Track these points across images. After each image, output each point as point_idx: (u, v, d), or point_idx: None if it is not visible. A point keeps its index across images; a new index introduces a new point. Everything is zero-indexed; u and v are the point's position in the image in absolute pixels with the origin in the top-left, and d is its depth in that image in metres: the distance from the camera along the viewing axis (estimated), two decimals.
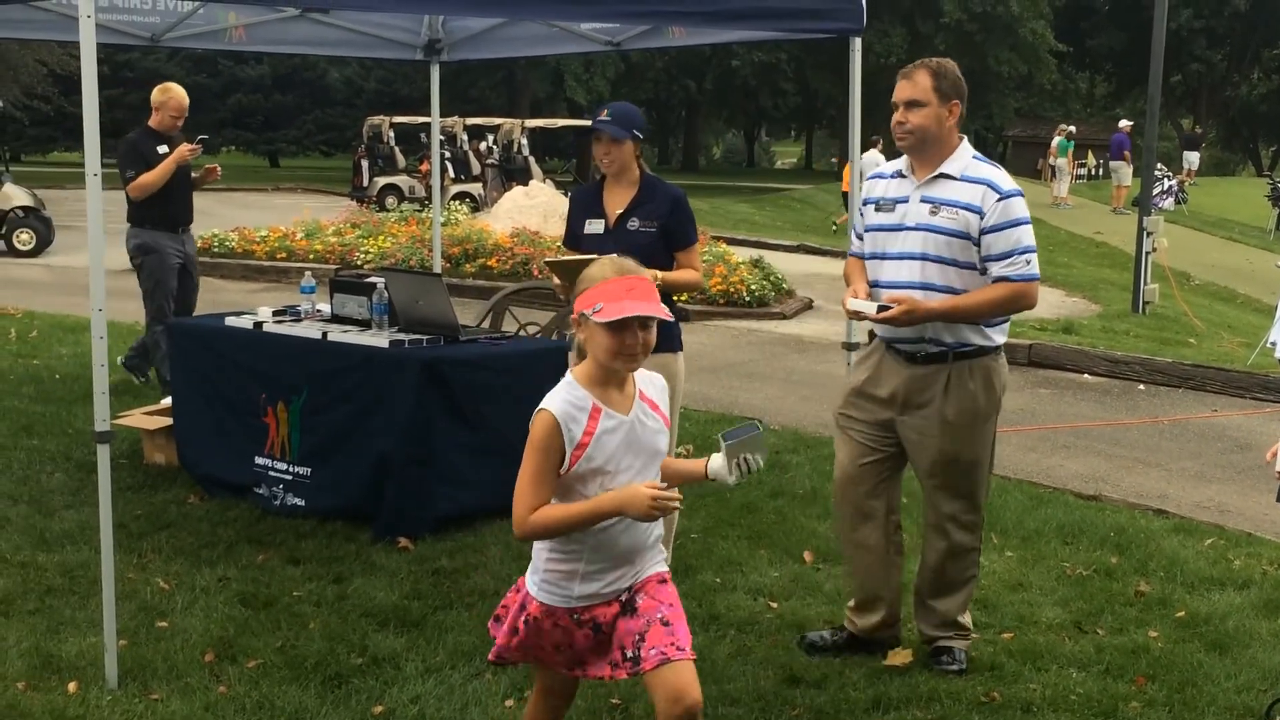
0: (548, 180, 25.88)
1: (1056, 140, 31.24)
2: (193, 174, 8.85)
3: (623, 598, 3.30)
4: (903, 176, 4.74)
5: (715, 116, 65.31)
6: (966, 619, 4.95)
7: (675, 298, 5.45)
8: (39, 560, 5.68)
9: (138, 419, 7.48)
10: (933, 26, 46.43)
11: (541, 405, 3.23)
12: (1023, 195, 4.62)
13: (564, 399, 3.20)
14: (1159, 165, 21.16)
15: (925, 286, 4.60)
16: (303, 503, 6.42)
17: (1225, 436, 9.43)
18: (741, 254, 16.92)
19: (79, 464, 7.13)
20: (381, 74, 51.33)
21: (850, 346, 6.10)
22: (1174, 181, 31.47)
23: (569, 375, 3.26)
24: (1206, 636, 5.24)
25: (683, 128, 64.08)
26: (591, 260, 5.18)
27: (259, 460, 6.63)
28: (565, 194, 20.43)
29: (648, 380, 3.36)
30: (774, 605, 5.46)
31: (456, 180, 27.63)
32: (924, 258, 4.59)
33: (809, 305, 15.27)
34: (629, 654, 3.25)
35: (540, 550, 3.35)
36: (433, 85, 9.07)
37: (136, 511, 6.41)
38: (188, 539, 6.03)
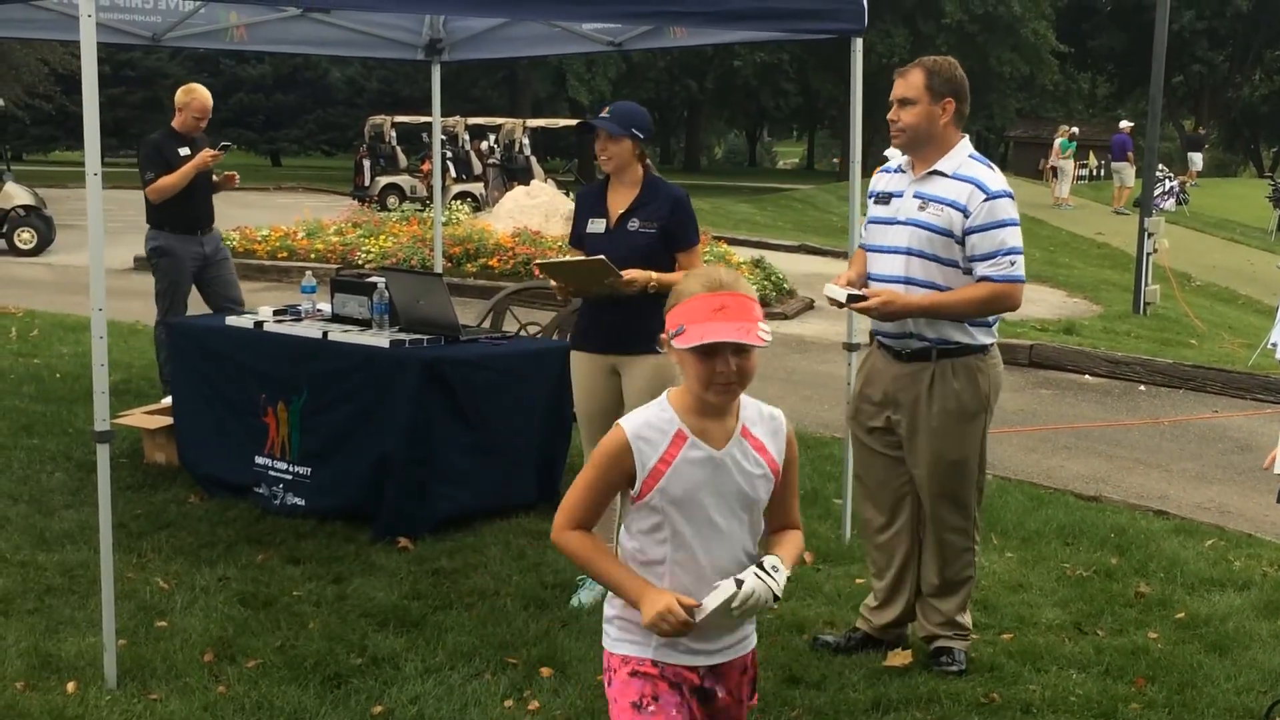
0: (549, 180, 25.86)
1: (1058, 141, 31.20)
2: (214, 178, 8.78)
3: (701, 673, 2.87)
4: (903, 172, 4.78)
5: (717, 116, 65.31)
6: (966, 619, 4.95)
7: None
8: (38, 560, 5.68)
9: (138, 418, 7.48)
10: (934, 27, 46.41)
11: (621, 419, 2.87)
12: (1012, 197, 4.60)
13: (645, 418, 2.83)
14: (1160, 166, 21.17)
15: (908, 281, 4.62)
16: (303, 502, 6.42)
17: (1226, 438, 9.43)
18: (743, 254, 16.93)
19: (79, 463, 7.13)
20: (383, 74, 51.34)
21: (851, 347, 6.10)
22: (1175, 182, 31.45)
23: (664, 394, 2.87)
24: (1206, 638, 5.24)
25: (684, 128, 64.06)
26: (581, 262, 5.22)
27: (259, 460, 6.63)
28: (567, 194, 20.44)
29: (762, 417, 2.89)
30: (773, 606, 5.45)
31: (458, 180, 27.63)
32: (909, 252, 4.62)
33: (810, 305, 15.26)
34: None
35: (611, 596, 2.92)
36: (434, 85, 9.06)
37: (136, 511, 6.41)
38: (187, 539, 6.03)
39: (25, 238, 18.90)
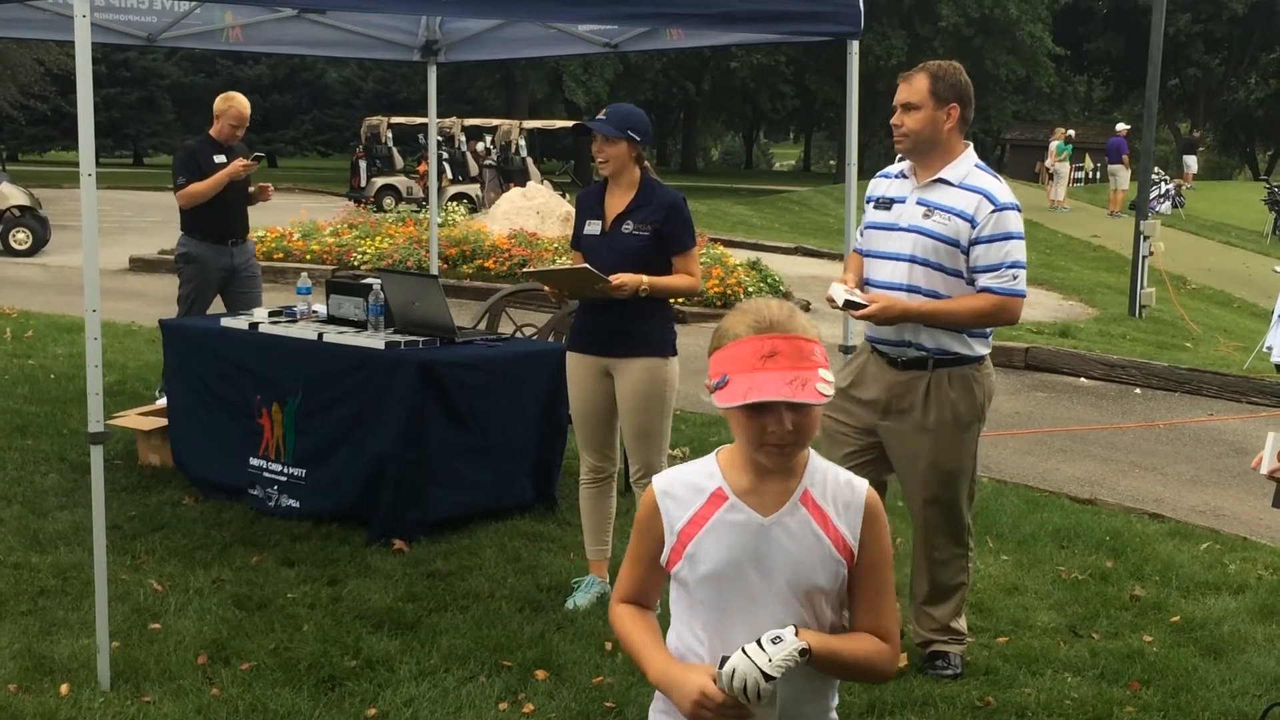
0: (545, 182, 25.87)
1: (1054, 144, 31.22)
2: (250, 189, 8.71)
3: None
4: (904, 177, 4.74)
5: (714, 118, 65.35)
6: (961, 624, 4.94)
7: (671, 301, 5.44)
8: (32, 561, 5.66)
9: (132, 420, 7.46)
10: (931, 29, 46.46)
11: (655, 475, 2.44)
12: (1019, 210, 4.59)
13: (680, 473, 2.38)
14: (1156, 169, 21.16)
15: (911, 289, 4.60)
16: (297, 504, 6.40)
17: (1221, 440, 9.43)
18: (739, 256, 16.92)
19: (73, 465, 7.11)
20: (380, 75, 51.38)
21: (846, 349, 6.09)
22: (1171, 185, 31.48)
23: (716, 451, 2.39)
24: (1201, 641, 5.24)
25: (681, 129, 64.10)
26: (567, 270, 5.22)
27: (254, 462, 6.62)
28: (563, 195, 20.44)
29: (835, 484, 2.35)
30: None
31: (454, 181, 27.63)
32: (912, 260, 4.59)
33: (806, 307, 15.25)
34: None
35: None
36: (430, 86, 9.05)
37: (131, 513, 6.39)
38: (182, 540, 6.02)
39: (20, 238, 18.88)
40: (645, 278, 5.09)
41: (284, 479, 6.49)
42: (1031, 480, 7.96)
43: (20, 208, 19.03)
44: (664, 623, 2.50)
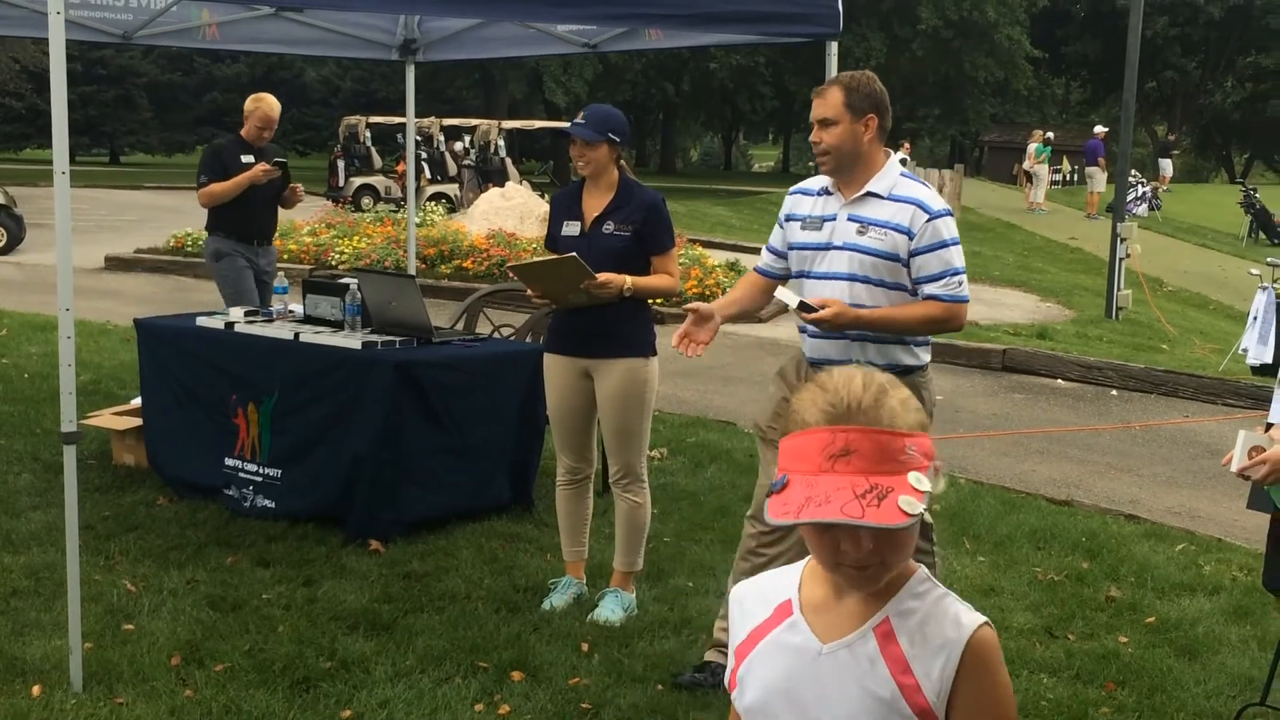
0: (524, 182, 25.83)
1: (1032, 145, 31.33)
2: (284, 192, 8.56)
3: None
4: (829, 193, 4.56)
5: (693, 119, 65.35)
6: None
7: (650, 302, 5.43)
8: (4, 562, 5.62)
9: (107, 419, 7.42)
10: (910, 31, 46.56)
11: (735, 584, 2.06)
12: (952, 215, 4.51)
13: (760, 579, 1.97)
14: (1133, 171, 21.25)
15: (854, 307, 4.44)
16: (273, 505, 6.37)
17: (1196, 442, 9.47)
18: (718, 257, 16.92)
19: (47, 464, 7.06)
20: (358, 74, 51.24)
21: None
22: (1148, 188, 31.63)
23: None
24: (1176, 642, 5.26)
25: (660, 130, 64.10)
26: (554, 261, 5.20)
27: (229, 462, 6.58)
28: (542, 195, 20.40)
29: (935, 620, 1.80)
30: None
31: (433, 181, 27.58)
32: (852, 278, 4.45)
33: (784, 309, 15.26)
34: None
35: None
36: (408, 86, 9.02)
37: (105, 513, 6.35)
38: (156, 541, 5.99)
39: None
40: (629, 278, 5.08)
41: (259, 479, 6.46)
42: (1008, 481, 7.98)
43: None
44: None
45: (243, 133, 8.48)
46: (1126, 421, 10.11)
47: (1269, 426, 4.31)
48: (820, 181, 4.62)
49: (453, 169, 28.64)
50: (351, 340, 6.27)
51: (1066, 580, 6.00)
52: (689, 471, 7.68)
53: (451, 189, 27.77)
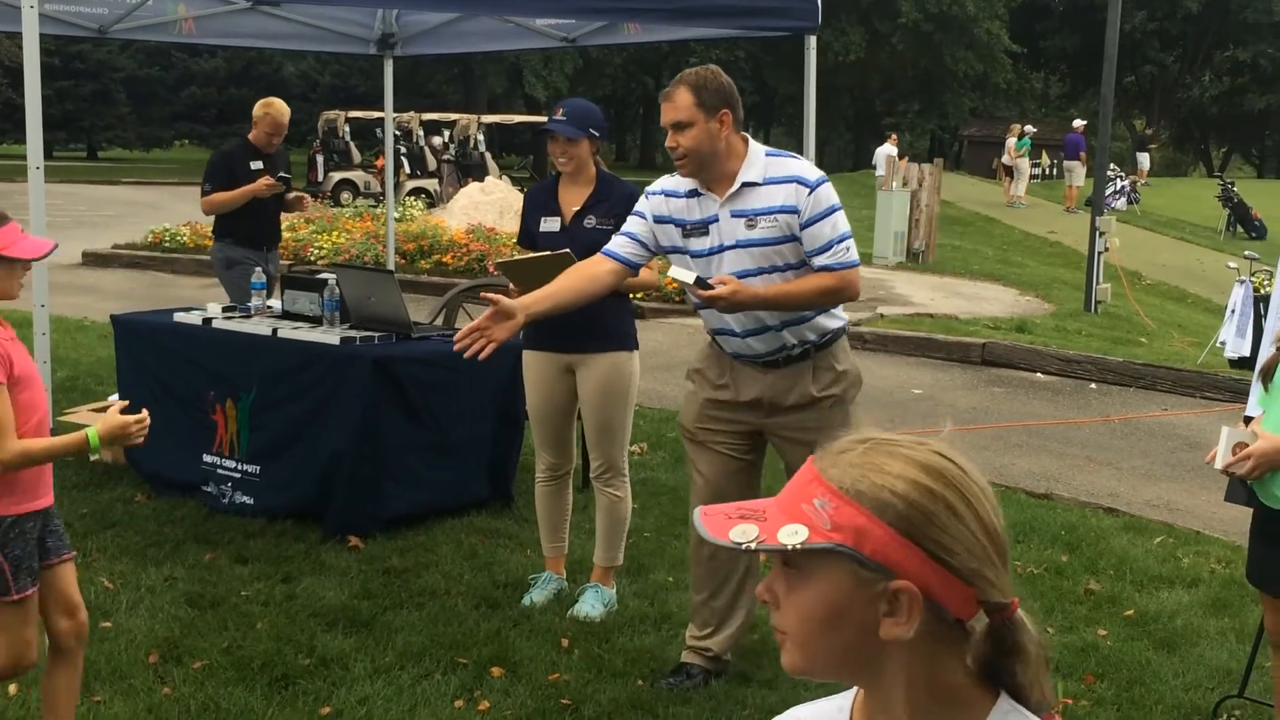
0: (504, 176, 25.82)
1: (1011, 140, 31.39)
2: (287, 195, 8.50)
3: None
4: (699, 194, 4.43)
5: None
6: None
7: (631, 296, 5.42)
8: None
9: (84, 416, 7.37)
10: (890, 25, 46.65)
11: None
12: (828, 179, 4.41)
13: (811, 709, 1.73)
14: (1111, 165, 21.32)
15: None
16: (251, 501, 6.35)
17: (1175, 435, 9.51)
18: None
19: None
20: (337, 68, 51.06)
21: None
22: (1126, 182, 31.72)
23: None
24: (1155, 635, 5.27)
25: (640, 124, 64.08)
26: (543, 258, 5.18)
27: (207, 458, 6.55)
28: (521, 190, 20.38)
29: None
30: None
31: (412, 176, 27.53)
32: (759, 271, 4.36)
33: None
34: None
35: None
36: (386, 80, 9.01)
37: (82, 510, 6.32)
38: (134, 538, 5.96)
39: None
40: None
41: (238, 475, 6.43)
42: (988, 475, 7.94)
43: None
44: None
45: (251, 137, 8.35)
46: (1105, 415, 10.14)
47: (1247, 419, 4.32)
48: (685, 183, 4.47)
49: (432, 164, 28.59)
50: (330, 336, 6.25)
51: (1046, 573, 6.01)
52: (669, 466, 7.67)
53: (431, 184, 27.72)
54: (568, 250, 4.97)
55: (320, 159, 28.64)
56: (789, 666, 1.54)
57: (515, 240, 5.67)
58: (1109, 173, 18.14)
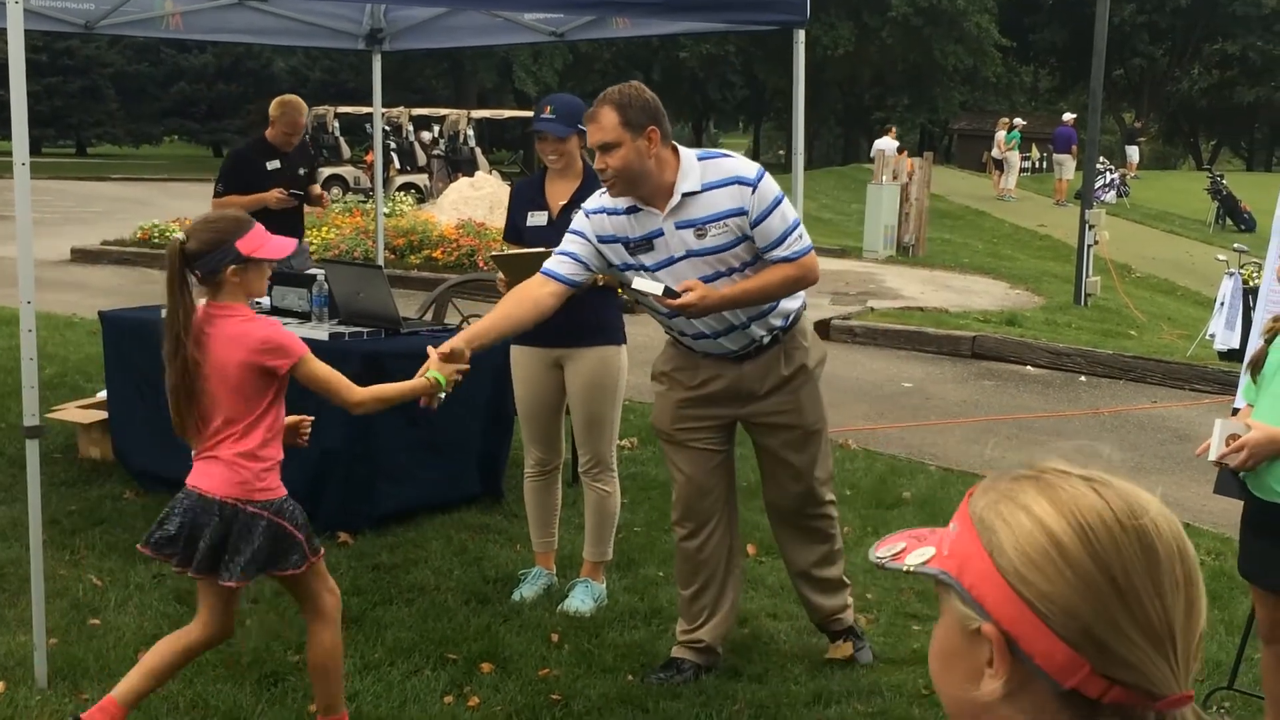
0: (494, 171, 25.76)
1: (1001, 133, 31.41)
2: (311, 190, 8.33)
3: None
4: (638, 210, 4.36)
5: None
6: (838, 570, 4.86)
7: (619, 291, 5.41)
8: None
9: (72, 413, 7.36)
10: (879, 19, 46.64)
11: None
12: (766, 172, 4.37)
13: None
14: (1101, 159, 21.36)
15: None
16: None
17: (1164, 428, 9.52)
18: None
19: (10, 459, 6.99)
20: (327, 64, 50.95)
21: None
22: (1116, 175, 31.76)
23: None
24: None
25: None
26: (535, 253, 5.17)
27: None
28: (511, 185, 20.36)
29: None
30: None
31: (402, 171, 27.47)
32: (713, 278, 4.33)
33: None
34: None
35: None
36: (374, 75, 8.97)
37: (70, 507, 6.30)
38: (122, 535, 5.94)
39: None
40: None
41: None
42: (978, 468, 8.00)
43: None
44: None
45: (268, 135, 8.23)
46: (1095, 407, 10.16)
47: (1235, 411, 4.33)
48: (621, 200, 4.39)
49: (422, 159, 28.54)
50: (319, 332, 6.23)
51: None
52: (659, 461, 7.66)
53: (421, 179, 27.67)
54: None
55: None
56: None
57: (502, 236, 5.65)
58: (1098, 166, 18.15)
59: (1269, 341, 4.00)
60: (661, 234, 4.35)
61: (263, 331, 3.76)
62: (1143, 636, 1.22)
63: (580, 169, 5.29)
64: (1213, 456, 3.91)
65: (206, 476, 3.82)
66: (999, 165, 32.01)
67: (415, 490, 6.28)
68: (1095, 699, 1.22)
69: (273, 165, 8.13)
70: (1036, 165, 41.69)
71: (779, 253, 4.32)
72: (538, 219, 5.31)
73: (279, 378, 3.77)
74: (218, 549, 3.72)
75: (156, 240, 17.30)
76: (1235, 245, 12.74)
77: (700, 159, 4.37)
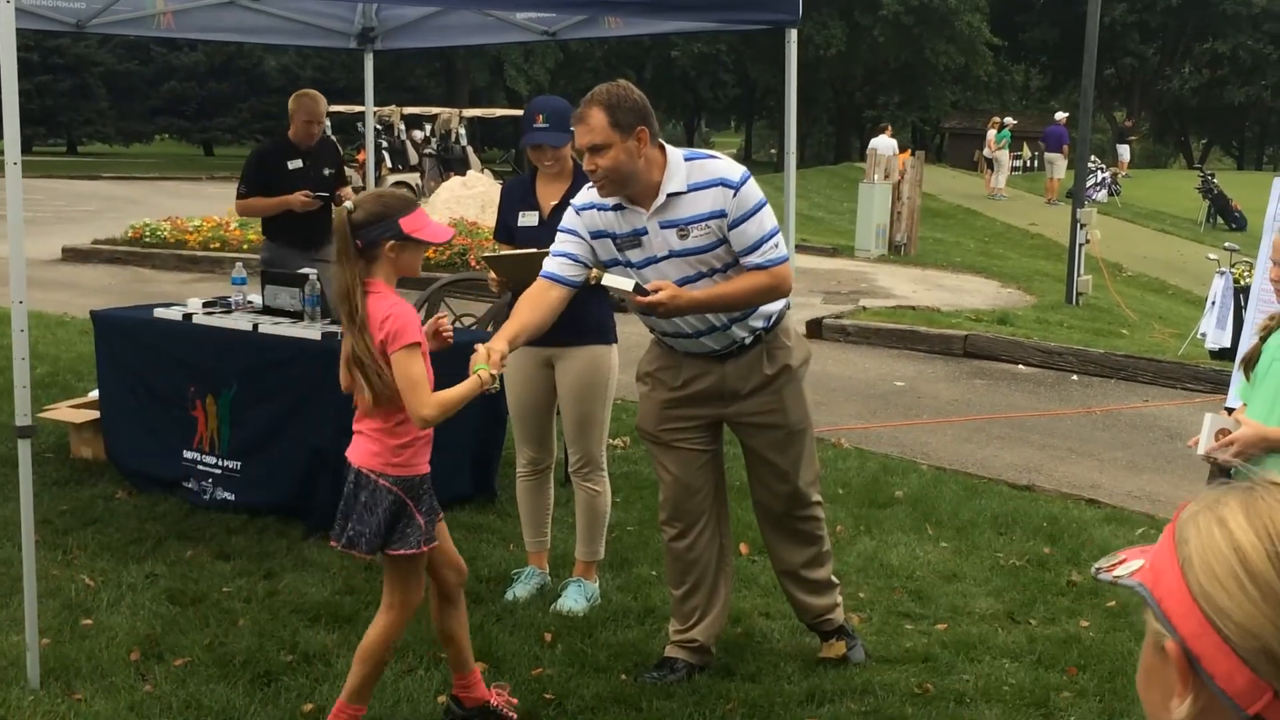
0: (486, 170, 25.76)
1: (992, 132, 31.45)
2: (342, 188, 8.11)
3: None
4: (624, 208, 4.37)
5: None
6: (827, 571, 4.86)
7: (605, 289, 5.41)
8: None
9: (64, 412, 7.35)
10: (871, 18, 46.66)
11: None
12: (751, 176, 4.38)
13: None
14: (1092, 157, 21.39)
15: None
16: (233, 497, 6.33)
17: (1156, 426, 9.54)
18: None
19: (2, 458, 6.97)
20: (319, 62, 50.86)
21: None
22: (1107, 174, 31.80)
23: None
24: (1137, 626, 5.28)
25: None
26: (525, 254, 5.17)
27: (188, 454, 6.53)
28: (503, 184, 20.35)
29: None
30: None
31: (394, 170, 27.41)
32: (695, 278, 4.34)
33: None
34: None
35: None
36: (366, 74, 8.97)
37: (62, 507, 6.29)
38: (114, 535, 5.93)
39: None
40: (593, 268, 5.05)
41: (219, 472, 6.41)
42: (970, 467, 8.01)
43: None
44: None
45: (290, 134, 8.09)
46: (1087, 406, 10.17)
47: (1229, 411, 4.34)
48: (609, 198, 4.40)
49: (414, 158, 28.49)
50: (311, 331, 6.23)
51: (1028, 565, 6.03)
52: (651, 460, 7.66)
53: (413, 178, 27.61)
54: (550, 250, 4.97)
55: None
56: None
57: (493, 235, 5.65)
58: (1090, 165, 18.17)
59: (1263, 339, 4.01)
60: (645, 232, 4.36)
61: (388, 309, 3.83)
62: None
63: (570, 168, 5.30)
64: (1201, 450, 3.93)
65: (352, 447, 4.03)
66: (990, 164, 32.03)
67: None
68: None
69: (294, 165, 7.97)
70: (1028, 164, 41.72)
71: (753, 259, 4.32)
72: (529, 219, 5.31)
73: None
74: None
75: (148, 239, 17.27)
76: (1226, 244, 12.76)
77: (687, 159, 4.37)
